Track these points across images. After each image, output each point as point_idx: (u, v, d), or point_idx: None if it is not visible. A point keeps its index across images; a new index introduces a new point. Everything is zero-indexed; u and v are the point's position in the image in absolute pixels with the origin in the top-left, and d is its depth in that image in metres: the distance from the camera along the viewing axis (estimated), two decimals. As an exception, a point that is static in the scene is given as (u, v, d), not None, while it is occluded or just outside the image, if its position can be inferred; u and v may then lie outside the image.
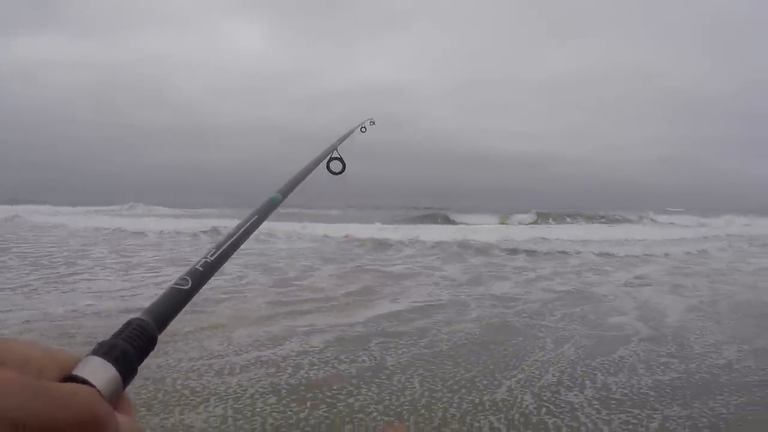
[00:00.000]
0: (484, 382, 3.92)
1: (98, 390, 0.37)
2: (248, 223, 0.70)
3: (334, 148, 1.23)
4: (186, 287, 0.53)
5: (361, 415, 3.30)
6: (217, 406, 3.36)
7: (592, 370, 4.18)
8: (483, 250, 13.22)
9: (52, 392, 0.34)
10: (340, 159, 1.21)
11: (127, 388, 0.41)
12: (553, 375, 4.06)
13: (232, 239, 0.64)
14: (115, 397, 0.39)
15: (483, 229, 18.96)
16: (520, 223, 24.04)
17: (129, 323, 0.45)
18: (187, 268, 0.55)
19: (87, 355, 0.40)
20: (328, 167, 1.18)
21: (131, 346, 0.42)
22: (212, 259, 0.59)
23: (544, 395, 3.67)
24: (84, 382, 0.38)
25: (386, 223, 22.27)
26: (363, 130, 1.63)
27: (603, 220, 29.37)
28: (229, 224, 17.06)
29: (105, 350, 0.41)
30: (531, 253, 12.63)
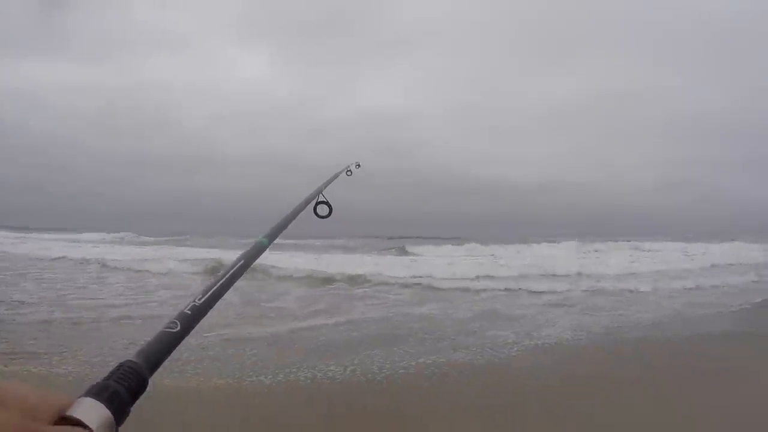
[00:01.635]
0: (275, 363, 5.24)
1: (92, 431, 0.40)
2: (235, 267, 0.74)
3: (319, 192, 1.25)
4: (175, 330, 0.56)
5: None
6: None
7: (374, 361, 5.40)
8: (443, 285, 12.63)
9: None
10: (327, 203, 1.24)
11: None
12: (329, 364, 5.25)
13: (220, 283, 0.68)
14: None
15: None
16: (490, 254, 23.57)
17: (121, 365, 0.48)
18: (176, 312, 0.58)
19: (79, 397, 0.43)
20: (315, 211, 1.22)
21: (123, 387, 0.46)
22: (200, 303, 0.63)
23: (300, 372, 5.00)
24: (78, 422, 0.41)
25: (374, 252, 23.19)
26: (349, 173, 1.66)
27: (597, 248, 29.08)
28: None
29: (97, 391, 0.44)
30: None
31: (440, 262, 17.84)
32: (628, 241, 33.13)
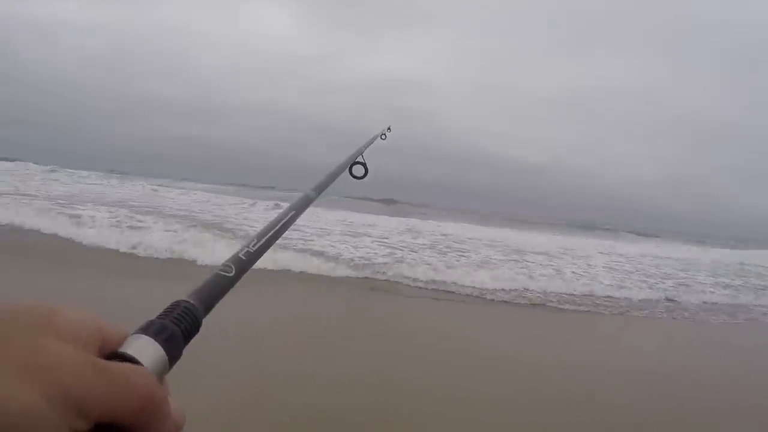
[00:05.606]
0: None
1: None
2: (287, 218, 0.76)
3: (360, 153, 1.33)
4: (230, 274, 0.56)
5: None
6: None
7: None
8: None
9: (115, 372, 0.35)
10: (364, 164, 1.30)
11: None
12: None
13: (272, 231, 0.70)
14: (161, 379, 0.40)
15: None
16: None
17: (177, 304, 0.46)
18: (230, 255, 0.59)
19: (135, 332, 0.41)
20: (350, 172, 1.27)
21: (179, 328, 0.44)
22: (254, 249, 0.63)
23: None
24: (133, 360, 0.39)
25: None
26: (383, 137, 1.76)
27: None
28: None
29: (155, 330, 0.42)
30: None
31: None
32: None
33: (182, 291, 0.47)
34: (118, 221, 11.21)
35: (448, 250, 13.25)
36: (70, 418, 0.32)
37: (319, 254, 9.80)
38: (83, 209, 12.54)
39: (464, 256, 12.19)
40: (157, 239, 9.45)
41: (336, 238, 12.52)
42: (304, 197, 0.88)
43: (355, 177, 1.28)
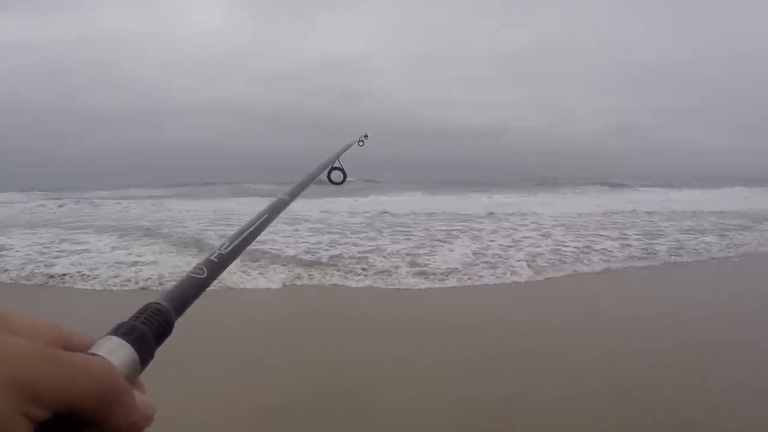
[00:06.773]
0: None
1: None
2: (259, 221, 0.75)
3: (336, 158, 1.31)
4: (202, 276, 0.55)
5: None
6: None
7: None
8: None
9: (68, 360, 0.34)
10: (342, 169, 1.29)
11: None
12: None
13: (244, 235, 0.69)
14: (133, 379, 0.39)
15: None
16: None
17: (148, 306, 0.46)
18: (202, 258, 0.59)
19: (105, 335, 0.41)
20: (329, 177, 1.26)
21: (150, 330, 0.43)
22: (226, 252, 0.62)
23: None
24: None
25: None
26: (361, 143, 1.75)
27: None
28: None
29: (124, 331, 0.41)
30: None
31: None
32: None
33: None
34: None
35: (384, 226, 12.55)
36: (23, 403, 0.31)
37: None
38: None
39: (404, 232, 11.46)
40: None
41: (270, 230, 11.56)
42: (279, 201, 0.88)
43: (333, 182, 1.26)
